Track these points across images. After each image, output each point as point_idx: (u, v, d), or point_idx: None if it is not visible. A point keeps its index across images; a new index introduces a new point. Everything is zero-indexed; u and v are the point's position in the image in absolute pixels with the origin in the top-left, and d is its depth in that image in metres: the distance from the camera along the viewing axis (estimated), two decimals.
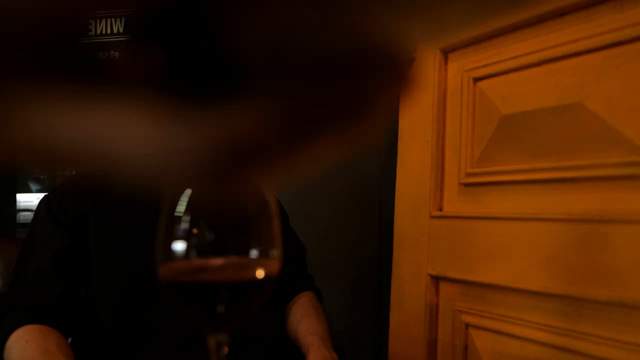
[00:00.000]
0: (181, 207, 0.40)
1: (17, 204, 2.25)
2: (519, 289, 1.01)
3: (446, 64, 1.23)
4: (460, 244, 1.16)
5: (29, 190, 2.29)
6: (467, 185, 1.17)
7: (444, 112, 1.23)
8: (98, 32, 1.83)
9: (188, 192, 0.40)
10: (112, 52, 1.79)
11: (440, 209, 1.24)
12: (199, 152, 0.12)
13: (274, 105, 0.12)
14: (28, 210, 2.23)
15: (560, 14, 0.96)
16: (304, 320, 1.02)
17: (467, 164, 1.17)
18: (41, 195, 1.02)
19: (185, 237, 0.39)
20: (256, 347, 0.97)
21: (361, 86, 0.13)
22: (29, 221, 1.04)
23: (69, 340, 0.90)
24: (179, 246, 0.39)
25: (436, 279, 1.24)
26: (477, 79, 1.14)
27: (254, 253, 0.40)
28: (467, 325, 1.15)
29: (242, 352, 0.92)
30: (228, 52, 0.11)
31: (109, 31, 1.83)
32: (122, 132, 0.11)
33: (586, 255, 0.89)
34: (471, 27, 0.12)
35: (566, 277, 0.92)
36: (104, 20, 1.84)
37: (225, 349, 0.42)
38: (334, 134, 0.13)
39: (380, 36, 0.12)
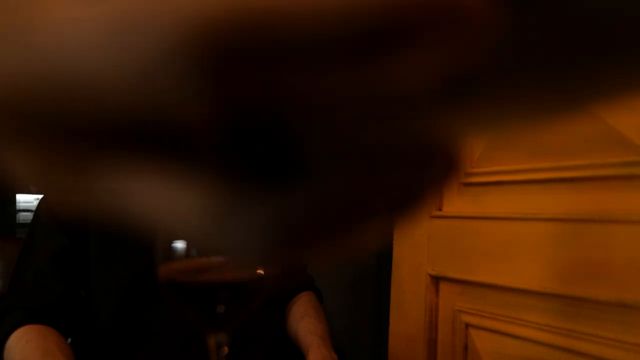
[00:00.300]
0: None
1: (17, 204, 2.25)
2: (519, 289, 1.01)
3: None
4: (460, 243, 1.16)
5: (28, 191, 2.29)
6: (467, 185, 1.17)
7: None
8: None
9: None
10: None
11: (440, 209, 1.24)
12: (254, 230, 0.12)
13: (327, 192, 0.12)
14: (28, 210, 2.24)
15: None
16: (304, 320, 1.02)
17: (467, 163, 1.17)
18: (41, 196, 1.02)
19: (185, 236, 0.39)
20: (256, 347, 0.97)
21: (411, 180, 0.13)
22: (29, 221, 1.04)
23: (69, 340, 0.90)
24: (179, 246, 0.39)
25: (436, 279, 1.24)
26: None
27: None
28: (467, 325, 1.15)
29: (242, 352, 0.92)
30: (292, 139, 0.11)
31: None
32: (180, 203, 0.12)
33: (586, 255, 0.89)
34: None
35: (566, 277, 0.92)
36: None
37: (225, 349, 0.42)
38: (377, 221, 0.14)
39: (436, 136, 0.13)
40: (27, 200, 2.27)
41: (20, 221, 2.25)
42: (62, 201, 0.13)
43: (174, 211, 0.12)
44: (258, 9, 0.09)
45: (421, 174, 0.13)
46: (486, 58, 0.11)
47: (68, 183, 0.12)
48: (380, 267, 1.62)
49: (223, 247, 0.13)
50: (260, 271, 0.40)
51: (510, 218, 1.04)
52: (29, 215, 2.20)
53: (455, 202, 1.21)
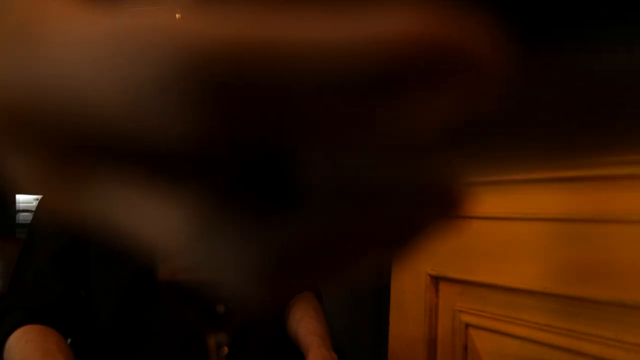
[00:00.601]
0: None
1: (17, 204, 2.25)
2: (518, 288, 1.01)
3: None
4: (460, 243, 1.16)
5: (28, 192, 2.29)
6: (466, 185, 1.17)
7: None
8: None
9: None
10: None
11: None
12: (246, 257, 0.12)
13: (325, 224, 0.12)
14: (27, 211, 2.23)
15: None
16: (304, 321, 1.02)
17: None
18: (41, 196, 1.02)
19: None
20: (256, 347, 0.97)
21: (410, 218, 0.14)
22: (29, 222, 1.04)
23: (69, 340, 0.90)
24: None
25: (436, 279, 1.24)
26: None
27: None
28: (467, 325, 1.15)
29: (242, 352, 0.92)
30: (293, 172, 0.11)
31: None
32: (171, 223, 0.12)
33: (586, 255, 0.89)
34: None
35: (566, 277, 0.92)
36: None
37: (225, 349, 0.42)
38: (373, 256, 0.14)
39: (438, 176, 0.13)
40: (27, 200, 2.27)
41: (20, 221, 2.25)
42: (57, 206, 0.13)
43: (165, 230, 0.12)
44: (264, 43, 0.09)
45: (421, 212, 0.14)
46: (492, 106, 0.11)
47: (63, 191, 0.12)
48: (380, 267, 1.62)
49: (212, 271, 0.13)
50: None
51: (510, 218, 1.04)
52: (29, 216, 2.20)
53: None
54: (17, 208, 2.26)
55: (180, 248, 0.13)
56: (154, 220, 0.12)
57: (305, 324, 1.01)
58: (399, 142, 0.11)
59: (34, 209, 1.02)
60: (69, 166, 0.12)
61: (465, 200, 0.14)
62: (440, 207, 0.14)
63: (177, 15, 0.10)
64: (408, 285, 1.30)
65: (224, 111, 0.10)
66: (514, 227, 1.03)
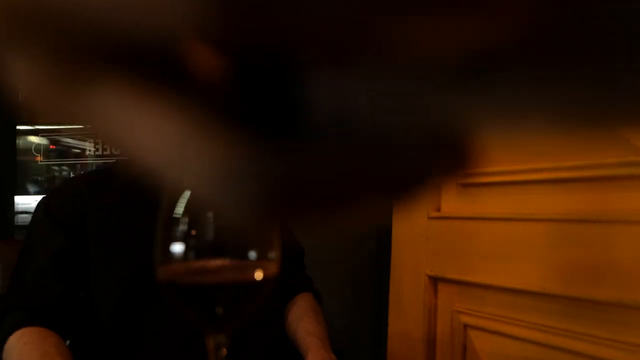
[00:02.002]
0: (179, 209, 0.40)
1: (15, 206, 2.25)
2: (517, 289, 1.01)
3: None
4: (459, 244, 1.16)
5: (27, 193, 2.29)
6: (465, 185, 1.17)
7: None
8: None
9: (186, 193, 0.40)
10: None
11: (439, 210, 1.24)
12: (250, 184, 0.12)
13: (330, 157, 0.12)
14: (26, 212, 2.23)
15: None
16: (303, 322, 1.02)
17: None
18: (39, 198, 1.02)
19: (184, 238, 0.39)
20: (255, 348, 0.97)
21: (418, 164, 0.13)
22: (27, 223, 1.04)
23: (68, 342, 0.90)
24: (178, 248, 0.39)
25: (435, 280, 1.24)
26: None
27: (252, 255, 0.40)
28: (466, 326, 1.15)
29: (242, 353, 0.92)
30: (299, 100, 0.11)
31: None
32: (179, 149, 0.12)
33: (585, 255, 0.89)
34: None
35: (565, 278, 0.93)
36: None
37: (224, 350, 0.42)
38: (374, 199, 0.13)
39: (450, 125, 0.12)
40: (25, 202, 2.27)
41: (19, 223, 2.25)
42: (57, 119, 0.13)
43: (165, 147, 0.12)
44: None
45: (429, 160, 0.13)
46: (513, 40, 0.10)
47: (66, 102, 0.12)
48: (379, 268, 1.62)
49: (212, 191, 0.13)
50: (260, 273, 0.40)
51: (508, 219, 1.04)
52: (28, 217, 2.19)
53: (454, 203, 1.21)
54: (16, 209, 2.26)
55: (173, 166, 0.12)
56: (150, 135, 0.12)
57: (304, 325, 1.01)
58: (412, 68, 0.10)
59: (32, 210, 1.02)
60: (72, 74, 0.11)
61: (473, 154, 0.13)
62: (446, 157, 0.13)
63: None
64: (407, 285, 1.30)
65: (235, 12, 0.09)
66: (513, 228, 1.03)
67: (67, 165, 2.33)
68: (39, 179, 2.32)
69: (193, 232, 0.39)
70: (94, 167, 2.25)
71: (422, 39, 0.10)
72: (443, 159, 0.13)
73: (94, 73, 0.11)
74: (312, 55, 0.10)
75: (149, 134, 0.12)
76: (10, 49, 0.11)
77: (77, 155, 2.32)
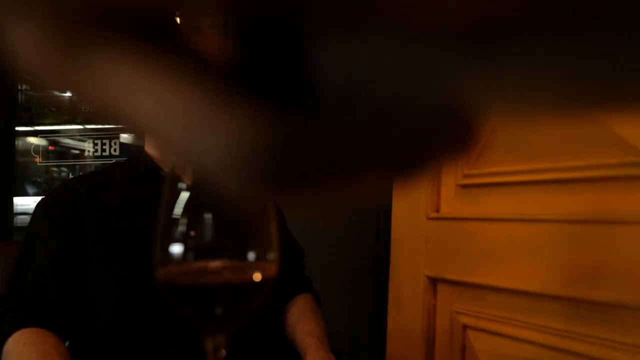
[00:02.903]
0: (178, 210, 0.40)
1: (14, 207, 2.25)
2: (516, 290, 1.01)
3: None
4: (458, 245, 1.16)
5: (26, 194, 2.29)
6: (464, 186, 1.17)
7: None
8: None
9: (185, 194, 0.40)
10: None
11: (438, 211, 1.24)
12: (249, 150, 0.12)
13: (332, 130, 0.12)
14: (25, 213, 2.23)
15: None
16: (302, 322, 1.02)
17: (464, 165, 1.17)
18: (38, 199, 1.02)
19: (183, 239, 0.39)
20: (254, 349, 0.97)
21: (421, 142, 0.13)
22: (26, 224, 1.04)
23: (67, 343, 0.90)
24: (177, 249, 0.39)
25: (434, 281, 1.24)
26: None
27: (251, 255, 0.40)
28: (465, 327, 1.15)
29: (241, 354, 0.92)
30: (308, 67, 0.11)
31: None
32: (178, 115, 0.11)
33: (584, 256, 0.89)
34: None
35: (564, 278, 0.93)
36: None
37: (223, 351, 0.42)
38: (376, 173, 0.13)
39: (457, 100, 0.12)
40: (24, 203, 2.27)
41: (18, 224, 2.25)
42: (56, 84, 0.13)
43: (166, 115, 0.12)
44: None
45: (434, 135, 0.13)
46: (522, 6, 0.10)
47: (65, 67, 0.12)
48: (378, 269, 1.63)
49: (209, 156, 0.12)
50: (259, 274, 0.40)
51: (507, 219, 1.04)
52: (26, 219, 2.19)
53: (453, 204, 1.21)
54: (15, 211, 2.26)
55: (173, 132, 0.12)
56: (151, 103, 0.11)
57: (303, 326, 1.01)
58: (419, 35, 0.10)
59: (31, 212, 1.02)
60: (73, 39, 0.11)
61: (476, 132, 0.13)
62: (451, 132, 0.13)
63: None
64: (406, 286, 1.30)
65: None
66: (512, 229, 1.03)
67: (66, 166, 2.33)
68: (38, 180, 2.32)
69: (192, 233, 0.39)
70: (92, 168, 2.25)
71: (431, 3, 0.10)
72: (448, 134, 0.13)
73: (96, 39, 0.11)
74: (320, 19, 0.10)
75: (150, 101, 0.11)
76: (11, 14, 0.11)
77: (76, 156, 2.32)
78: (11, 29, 0.11)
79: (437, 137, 0.13)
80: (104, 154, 2.23)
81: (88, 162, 2.25)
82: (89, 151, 2.25)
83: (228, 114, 0.11)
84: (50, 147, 2.30)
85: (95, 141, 2.24)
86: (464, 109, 0.12)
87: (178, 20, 0.10)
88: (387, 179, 0.14)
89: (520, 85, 0.11)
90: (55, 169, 2.32)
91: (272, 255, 0.41)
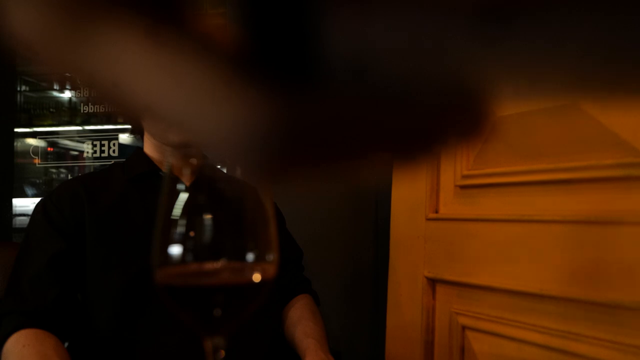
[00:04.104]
0: (177, 211, 0.40)
1: (13, 208, 2.24)
2: (515, 291, 1.01)
3: None
4: (457, 246, 1.16)
5: (24, 195, 2.29)
6: (463, 187, 1.17)
7: None
8: None
9: (184, 195, 0.40)
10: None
11: (437, 211, 1.24)
12: (255, 133, 0.12)
13: (341, 107, 0.11)
14: (24, 215, 2.23)
15: None
16: (301, 323, 1.02)
17: (463, 165, 1.17)
18: (37, 200, 1.02)
19: (182, 240, 0.39)
20: (253, 350, 0.97)
21: (432, 122, 0.12)
22: (25, 226, 1.04)
23: (66, 344, 0.90)
24: (176, 250, 0.39)
25: (433, 281, 1.24)
26: None
27: (250, 257, 0.40)
28: (464, 328, 1.15)
29: (240, 355, 0.92)
30: (317, 44, 0.10)
31: None
32: (185, 91, 0.11)
33: (583, 257, 0.89)
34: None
35: (563, 279, 0.93)
36: None
37: (222, 353, 0.42)
38: (380, 154, 0.13)
39: (469, 81, 0.11)
40: (23, 204, 2.26)
41: (16, 226, 2.24)
42: (58, 64, 0.12)
43: (170, 90, 0.11)
44: None
45: (443, 117, 0.12)
46: None
47: (69, 44, 0.11)
48: (377, 270, 1.62)
49: (215, 136, 0.12)
50: (258, 275, 0.40)
51: (506, 220, 1.04)
52: (25, 220, 2.19)
53: (452, 205, 1.21)
54: (14, 212, 2.25)
55: (177, 111, 0.12)
56: (154, 79, 0.11)
57: (302, 327, 1.01)
58: (433, 9, 0.10)
59: (30, 213, 1.02)
60: (78, 16, 0.11)
61: (485, 120, 0.13)
62: (458, 116, 0.12)
63: None
64: (405, 287, 1.30)
65: None
66: (511, 229, 1.03)
67: (65, 167, 2.33)
68: (37, 181, 2.32)
69: (191, 234, 0.39)
70: (92, 169, 2.25)
71: None
72: (457, 117, 0.13)
73: (100, 16, 0.11)
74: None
75: (153, 79, 0.11)
76: None
77: (75, 158, 2.32)
78: (14, 3, 0.11)
79: (446, 119, 0.13)
80: (102, 155, 2.23)
81: (87, 163, 2.25)
82: (87, 152, 2.25)
83: (235, 91, 0.11)
84: (49, 149, 2.30)
85: (94, 142, 2.24)
86: (475, 91, 0.12)
87: None
88: (392, 159, 0.13)
89: (535, 68, 0.11)
90: (54, 170, 2.32)
91: (271, 256, 0.41)
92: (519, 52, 0.11)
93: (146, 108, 0.12)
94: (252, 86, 0.11)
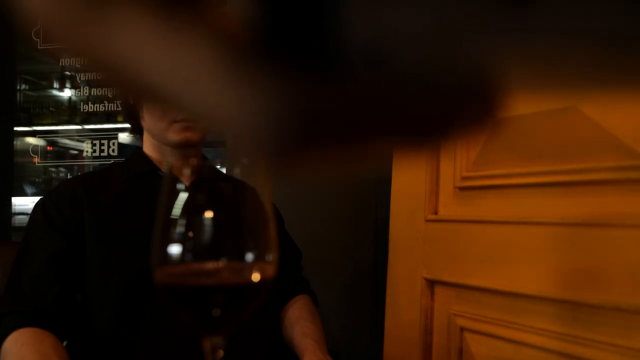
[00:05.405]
0: (177, 210, 0.40)
1: (13, 207, 2.24)
2: (514, 292, 1.01)
3: None
4: (456, 247, 1.16)
5: (24, 194, 2.29)
6: (462, 188, 1.17)
7: None
8: None
9: (183, 195, 0.40)
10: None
11: (436, 213, 1.24)
12: (268, 118, 0.12)
13: (356, 92, 0.11)
14: (23, 213, 2.23)
15: None
16: (299, 324, 1.02)
17: (463, 167, 1.17)
18: (36, 199, 1.02)
19: (181, 240, 0.39)
20: (252, 350, 0.97)
21: (446, 110, 0.12)
22: (24, 225, 1.04)
23: (65, 343, 0.90)
24: (175, 249, 0.39)
25: (431, 283, 1.24)
26: None
27: (249, 257, 0.40)
28: (462, 329, 1.15)
29: (238, 355, 0.92)
30: (333, 31, 0.10)
31: None
32: (199, 75, 0.11)
33: (581, 259, 0.90)
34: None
35: (561, 281, 0.93)
36: None
37: (221, 352, 0.42)
38: (397, 142, 0.13)
39: (484, 72, 0.11)
40: (22, 203, 2.26)
41: (16, 225, 2.24)
42: (74, 48, 0.12)
43: (187, 77, 0.11)
44: None
45: (460, 103, 0.12)
46: None
47: (83, 26, 0.11)
48: (376, 271, 1.63)
49: (229, 121, 0.12)
50: (257, 275, 0.40)
51: (505, 222, 1.04)
52: (25, 219, 2.19)
53: (451, 206, 1.21)
54: (13, 211, 2.25)
55: (201, 96, 0.12)
56: (171, 65, 0.11)
57: (301, 327, 1.01)
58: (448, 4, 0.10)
59: (29, 212, 1.02)
60: (97, 1, 0.11)
61: (498, 107, 0.13)
62: (477, 101, 0.12)
63: None
64: (404, 288, 1.30)
65: None
66: (510, 231, 1.03)
67: (65, 166, 2.33)
68: (36, 180, 2.32)
69: (190, 234, 0.39)
70: (91, 169, 2.25)
71: None
72: (474, 102, 0.12)
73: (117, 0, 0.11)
74: None
75: (170, 63, 0.11)
76: None
77: (74, 157, 2.32)
78: None
79: (460, 106, 0.13)
80: (102, 154, 2.23)
81: (86, 162, 2.25)
82: (87, 151, 2.25)
83: (250, 75, 0.11)
84: (48, 148, 2.30)
85: (94, 142, 2.24)
86: (490, 80, 0.12)
87: None
88: (403, 145, 0.13)
89: (551, 58, 0.11)
90: (53, 169, 2.32)
91: (270, 256, 0.41)
92: (536, 40, 0.11)
93: (156, 91, 0.12)
94: (267, 71, 0.11)
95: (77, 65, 2.12)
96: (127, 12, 0.11)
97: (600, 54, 0.11)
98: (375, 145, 0.13)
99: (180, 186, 0.41)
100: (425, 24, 0.10)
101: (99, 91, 2.16)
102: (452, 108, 0.12)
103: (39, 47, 2.12)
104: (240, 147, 0.13)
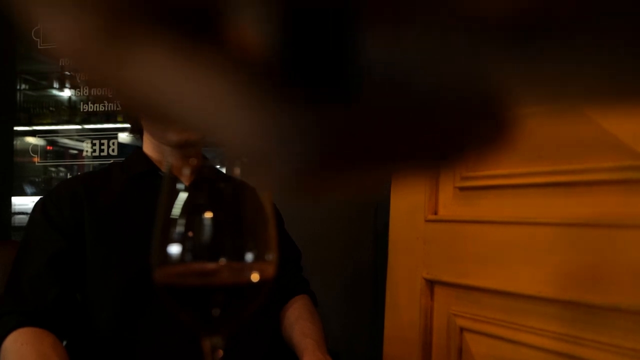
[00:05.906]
0: (177, 210, 0.40)
1: (12, 207, 2.24)
2: (514, 293, 1.01)
3: None
4: (456, 247, 1.16)
5: (24, 194, 2.29)
6: (462, 189, 1.17)
7: None
8: None
9: (183, 195, 0.40)
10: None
11: (436, 213, 1.24)
12: (287, 145, 0.12)
13: (372, 118, 0.12)
14: (23, 213, 2.23)
15: None
16: (299, 324, 1.02)
17: (463, 167, 1.17)
18: (36, 199, 1.02)
19: (181, 240, 0.39)
20: (251, 350, 0.97)
21: (461, 133, 0.13)
22: (24, 224, 1.04)
23: (64, 343, 0.90)
24: (175, 249, 0.39)
25: (431, 283, 1.24)
26: None
27: (249, 257, 0.40)
28: (462, 329, 1.15)
29: (239, 355, 0.92)
30: (352, 60, 0.11)
31: None
32: (218, 102, 0.11)
33: (582, 259, 0.89)
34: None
35: (561, 282, 0.93)
36: None
37: (220, 352, 0.42)
38: (412, 164, 0.13)
39: (494, 95, 0.12)
40: (22, 203, 2.26)
41: (16, 224, 2.24)
42: (94, 80, 0.12)
43: (207, 106, 0.12)
44: None
45: (471, 126, 0.13)
46: (571, 4, 0.10)
47: (106, 57, 0.12)
48: (375, 271, 1.63)
49: (252, 150, 0.12)
50: (256, 275, 0.40)
51: (505, 222, 1.04)
52: (24, 219, 2.19)
53: (451, 206, 1.21)
54: (13, 211, 2.25)
55: (220, 124, 0.12)
56: (194, 94, 0.11)
57: (300, 327, 1.01)
58: (466, 28, 0.10)
59: (29, 211, 1.02)
60: (114, 30, 0.11)
61: (509, 130, 0.13)
62: (487, 124, 0.13)
63: None
64: (403, 288, 1.30)
65: None
66: (509, 231, 1.03)
67: (64, 166, 2.33)
68: (36, 180, 2.32)
69: (190, 234, 0.39)
70: (91, 168, 2.25)
71: None
72: (484, 126, 0.13)
73: (136, 30, 0.11)
74: (370, 8, 0.10)
75: (189, 91, 0.11)
76: (53, 5, 0.11)
77: (74, 157, 2.32)
78: (59, 15, 0.11)
79: (472, 131, 0.13)
80: (102, 154, 2.23)
81: (86, 162, 2.25)
82: (87, 151, 2.25)
83: (269, 102, 0.11)
84: (48, 147, 2.30)
85: (94, 141, 2.24)
86: (500, 105, 0.12)
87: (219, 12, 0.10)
88: (418, 170, 0.14)
89: (559, 84, 0.11)
90: (53, 169, 2.32)
91: (270, 256, 0.41)
92: (544, 67, 0.11)
93: (174, 118, 0.12)
94: (285, 98, 0.11)
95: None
96: (147, 41, 0.11)
97: (612, 76, 0.11)
98: (392, 170, 0.13)
99: (180, 186, 0.41)
100: (438, 52, 0.10)
101: (99, 91, 2.16)
102: (467, 131, 0.13)
103: (39, 47, 2.12)
104: (256, 173, 0.13)
